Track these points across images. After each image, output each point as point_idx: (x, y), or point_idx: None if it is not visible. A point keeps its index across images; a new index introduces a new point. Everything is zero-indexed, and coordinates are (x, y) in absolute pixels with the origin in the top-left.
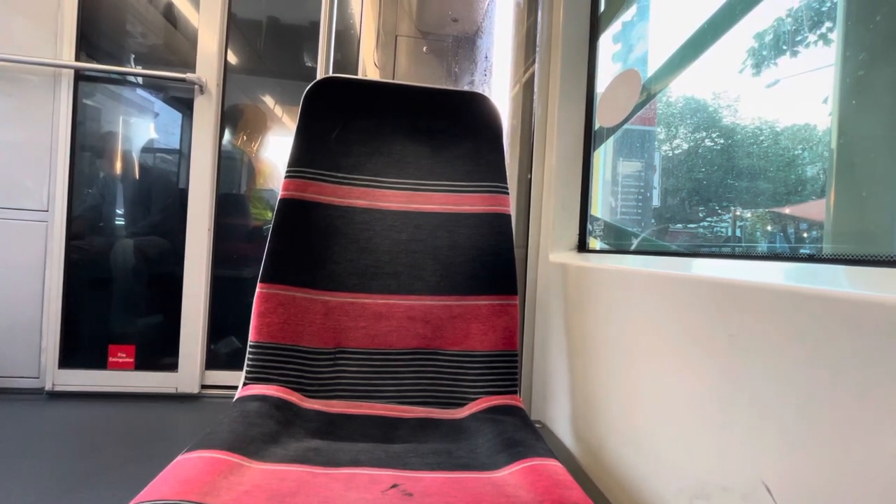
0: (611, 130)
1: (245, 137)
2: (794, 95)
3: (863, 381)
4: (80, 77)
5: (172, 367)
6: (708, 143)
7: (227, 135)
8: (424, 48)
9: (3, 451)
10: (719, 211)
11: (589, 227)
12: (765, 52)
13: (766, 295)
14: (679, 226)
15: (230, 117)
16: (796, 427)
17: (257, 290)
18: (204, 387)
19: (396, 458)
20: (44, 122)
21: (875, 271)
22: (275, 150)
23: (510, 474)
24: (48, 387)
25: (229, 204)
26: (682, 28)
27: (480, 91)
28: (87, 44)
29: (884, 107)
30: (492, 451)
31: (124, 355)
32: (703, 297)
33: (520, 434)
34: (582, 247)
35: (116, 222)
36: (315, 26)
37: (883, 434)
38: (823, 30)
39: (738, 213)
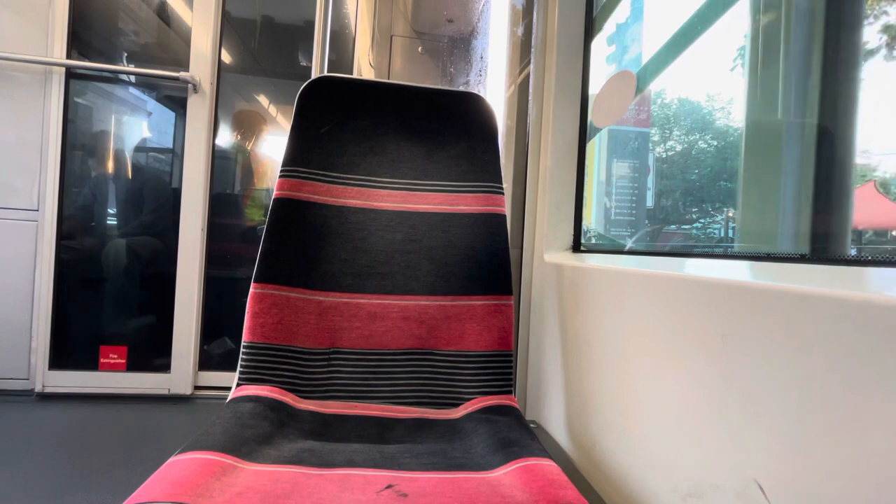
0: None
1: (240, 138)
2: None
3: (853, 380)
4: (71, 75)
5: (165, 368)
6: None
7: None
8: (420, 48)
9: None
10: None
11: (584, 227)
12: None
13: (757, 295)
14: (672, 227)
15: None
16: (788, 425)
17: (251, 290)
18: (197, 388)
19: (391, 459)
20: (34, 121)
21: (866, 271)
22: (269, 150)
23: (505, 474)
24: (38, 388)
25: (222, 203)
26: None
27: (476, 91)
28: (79, 41)
29: (775, 116)
30: (487, 451)
31: (116, 356)
32: (695, 297)
33: (514, 434)
34: (576, 247)
35: (108, 222)
36: (310, 25)
37: (873, 431)
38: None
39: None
